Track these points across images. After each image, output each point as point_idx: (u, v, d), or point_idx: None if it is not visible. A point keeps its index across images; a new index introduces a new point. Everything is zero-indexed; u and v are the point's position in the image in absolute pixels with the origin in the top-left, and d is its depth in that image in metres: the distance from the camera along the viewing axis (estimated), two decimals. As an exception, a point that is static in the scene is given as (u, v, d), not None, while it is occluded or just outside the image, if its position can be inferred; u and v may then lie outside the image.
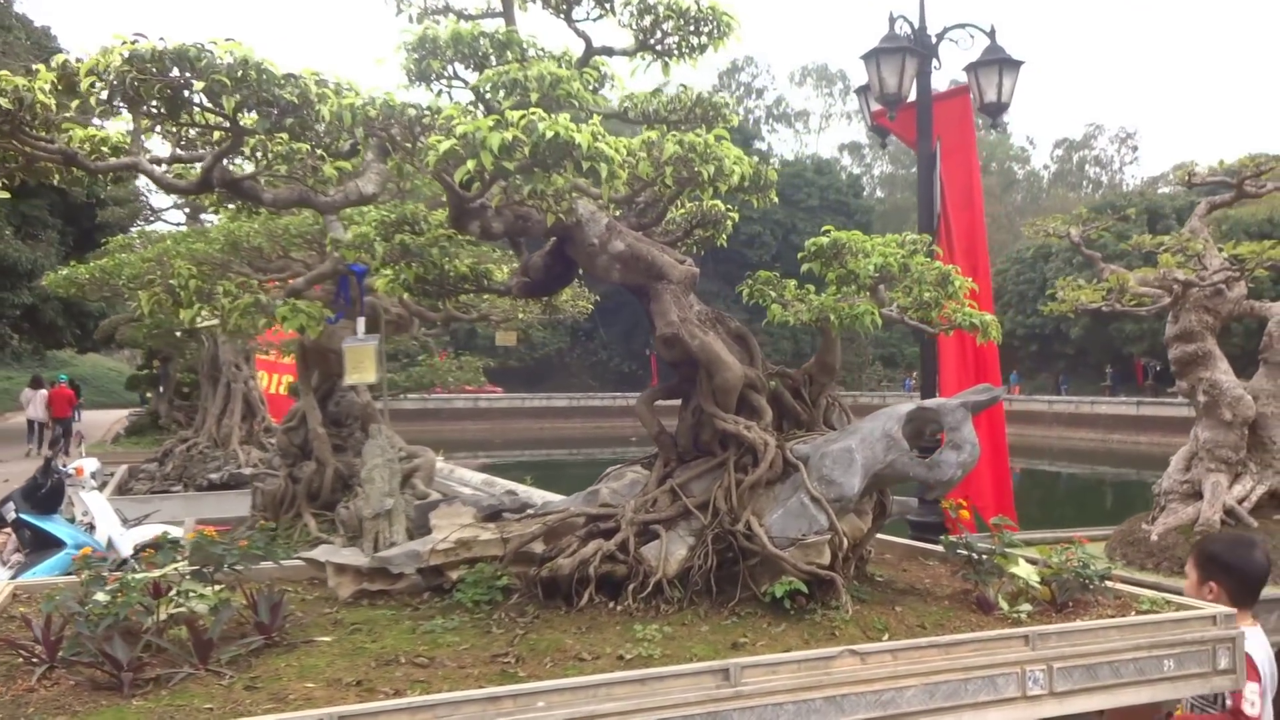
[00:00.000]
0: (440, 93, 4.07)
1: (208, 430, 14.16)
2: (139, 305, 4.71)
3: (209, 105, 3.25)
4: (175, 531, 7.63)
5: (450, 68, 4.01)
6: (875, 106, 9.36)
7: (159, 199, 15.75)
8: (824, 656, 3.50)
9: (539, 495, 8.74)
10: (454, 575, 4.44)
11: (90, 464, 9.93)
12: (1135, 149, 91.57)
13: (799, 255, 4.75)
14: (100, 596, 3.58)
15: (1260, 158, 6.96)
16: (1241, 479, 6.44)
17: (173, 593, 3.77)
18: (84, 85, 3.06)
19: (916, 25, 9.05)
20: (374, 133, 3.40)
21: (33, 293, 27.49)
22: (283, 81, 3.15)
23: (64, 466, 9.27)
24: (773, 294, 4.79)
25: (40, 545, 8.27)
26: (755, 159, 4.27)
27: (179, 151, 3.67)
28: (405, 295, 4.93)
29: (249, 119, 3.31)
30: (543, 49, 4.10)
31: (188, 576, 3.94)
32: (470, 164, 3.13)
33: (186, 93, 3.14)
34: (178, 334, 13.55)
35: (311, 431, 8.09)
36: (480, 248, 6.64)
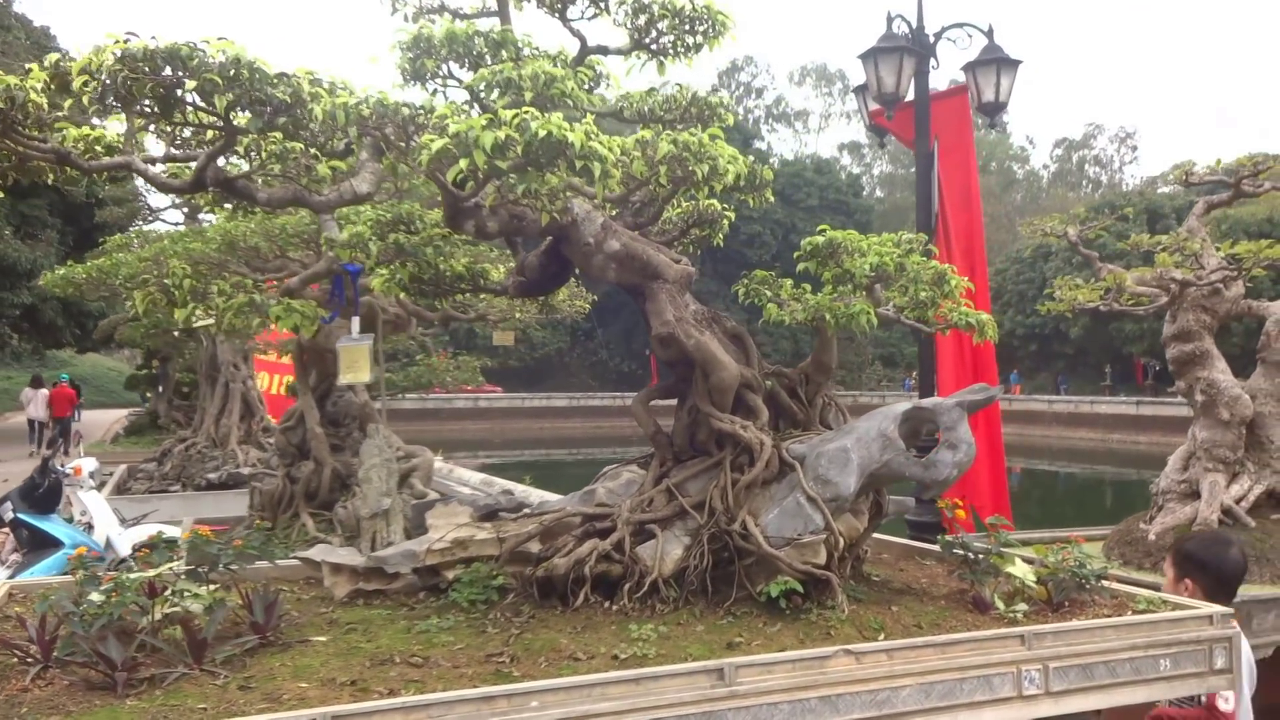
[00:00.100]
0: (435, 92, 4.07)
1: (206, 430, 14.16)
2: (133, 305, 4.70)
3: (202, 104, 3.24)
4: (173, 531, 7.63)
5: (445, 67, 4.00)
6: (873, 106, 9.36)
7: (157, 199, 15.77)
8: (819, 656, 3.49)
9: (537, 495, 8.74)
10: (450, 575, 4.44)
11: (88, 464, 9.93)
12: (1135, 149, 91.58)
13: (795, 255, 4.75)
14: (95, 596, 3.58)
15: (1258, 157, 6.96)
16: (1239, 478, 6.44)
17: (168, 592, 3.77)
18: (77, 84, 3.06)
19: (914, 25, 9.04)
20: (367, 132, 3.39)
21: (32, 292, 27.48)
22: (275, 80, 3.15)
23: (62, 466, 9.27)
24: (768, 293, 4.79)
25: (38, 545, 8.27)
26: (751, 158, 4.27)
27: (173, 151, 3.66)
28: (401, 295, 4.93)
29: (242, 118, 3.31)
30: (537, 48, 4.10)
31: (183, 576, 3.94)
32: (463, 163, 3.12)
33: (179, 92, 3.14)
34: (175, 334, 13.55)
35: (309, 431, 8.08)
36: (478, 247, 6.63)
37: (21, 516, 8.29)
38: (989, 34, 9.10)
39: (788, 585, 3.97)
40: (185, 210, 14.78)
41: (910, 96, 8.98)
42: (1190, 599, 4.24)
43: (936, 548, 5.01)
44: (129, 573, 3.84)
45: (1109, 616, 4.08)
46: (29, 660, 3.49)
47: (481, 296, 6.43)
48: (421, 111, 3.37)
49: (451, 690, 3.15)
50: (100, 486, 10.94)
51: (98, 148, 3.60)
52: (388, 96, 3.35)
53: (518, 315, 8.38)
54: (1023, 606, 4.19)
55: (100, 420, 31.55)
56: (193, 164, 3.70)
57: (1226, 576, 4.32)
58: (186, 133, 3.70)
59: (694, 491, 4.41)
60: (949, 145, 9.24)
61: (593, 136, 3.18)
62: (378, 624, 4.04)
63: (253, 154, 3.80)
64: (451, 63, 4.01)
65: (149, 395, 21.86)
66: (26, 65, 3.29)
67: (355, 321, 5.03)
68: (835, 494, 4.19)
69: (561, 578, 4.15)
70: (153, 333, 14.19)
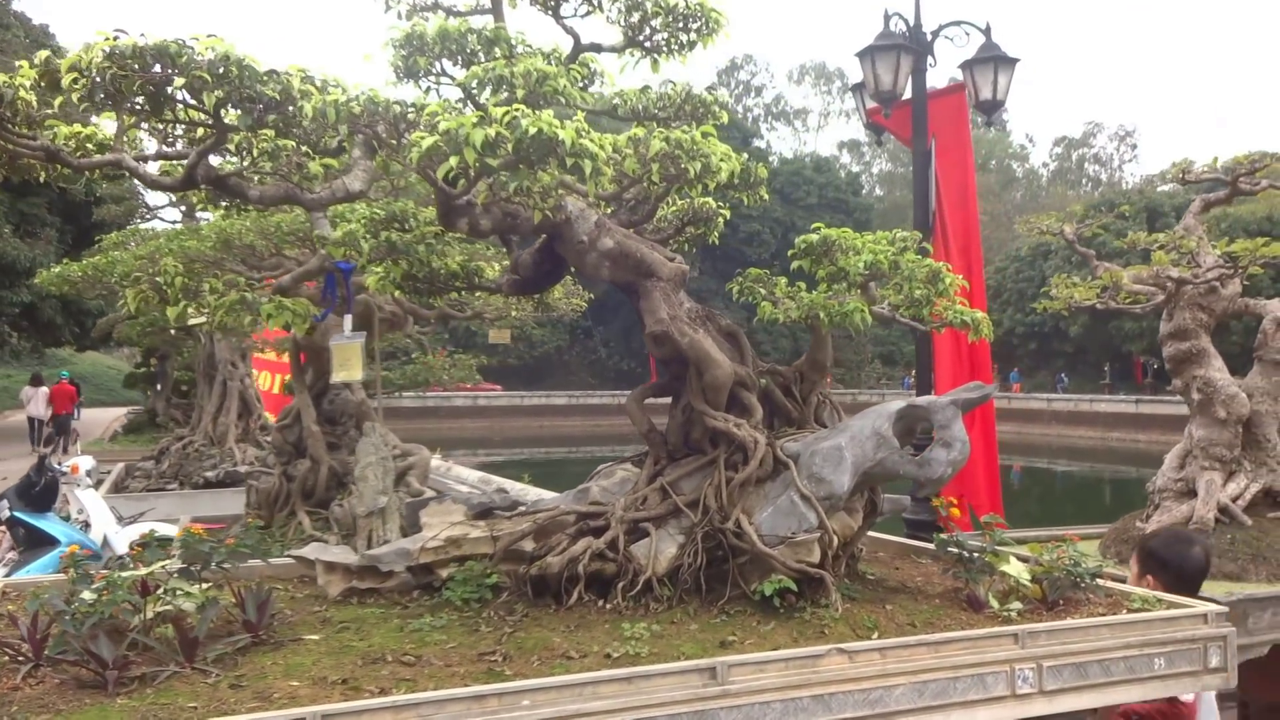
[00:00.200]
0: (428, 90, 4.06)
1: (204, 428, 14.15)
2: (125, 303, 4.70)
3: (192, 102, 3.23)
4: (170, 529, 7.62)
5: (438, 64, 3.99)
6: (871, 104, 9.35)
7: (155, 197, 15.72)
8: (812, 655, 3.49)
9: (535, 493, 8.73)
10: (444, 573, 4.43)
11: (85, 462, 9.95)
12: (1134, 147, 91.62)
13: (790, 253, 4.74)
14: (86, 595, 3.57)
15: (1255, 155, 6.94)
16: (1236, 477, 6.42)
17: (160, 591, 3.76)
18: (66, 81, 3.05)
19: (912, 23, 9.03)
20: (359, 130, 3.38)
21: (31, 290, 27.47)
22: (264, 78, 3.14)
23: (59, 464, 9.27)
24: (762, 291, 4.78)
25: (34, 543, 8.27)
26: (745, 156, 4.26)
27: (164, 148, 3.65)
28: (396, 293, 4.92)
29: (232, 115, 3.30)
30: (531, 46, 4.08)
31: (175, 575, 3.93)
32: (453, 160, 3.12)
33: (169, 89, 3.13)
34: (173, 332, 13.53)
35: (306, 429, 8.06)
36: (474, 245, 6.63)
37: (18, 515, 8.28)
38: (986, 32, 9.10)
39: (782, 584, 3.97)
40: (183, 208, 14.76)
41: (908, 94, 8.97)
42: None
43: (932, 546, 5.00)
44: (122, 571, 3.84)
45: (1103, 615, 4.08)
46: (20, 659, 3.49)
47: (477, 294, 6.42)
48: (412, 109, 3.36)
49: (443, 689, 3.15)
50: (98, 485, 10.94)
51: (89, 145, 3.59)
52: (379, 94, 3.34)
53: (513, 313, 8.37)
54: (1017, 605, 4.18)
55: (99, 418, 31.56)
56: (185, 161, 3.69)
57: (1187, 576, 4.42)
58: (179, 130, 3.69)
59: (688, 490, 4.40)
60: (946, 143, 9.23)
61: (584, 134, 3.17)
62: (371, 622, 4.03)
63: (244, 151, 3.79)
64: (444, 60, 4.00)
65: (150, 393, 21.84)
66: (17, 62, 3.28)
67: (348, 319, 5.02)
68: (829, 492, 4.18)
69: (555, 576, 4.15)
70: (149, 331, 14.17)
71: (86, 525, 9.06)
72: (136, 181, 15.36)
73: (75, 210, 28.67)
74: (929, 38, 9.06)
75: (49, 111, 3.32)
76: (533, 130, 3.07)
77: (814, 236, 4.63)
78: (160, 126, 3.57)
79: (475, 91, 3.75)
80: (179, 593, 3.77)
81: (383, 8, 4.37)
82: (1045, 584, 4.29)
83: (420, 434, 14.30)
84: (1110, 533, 6.97)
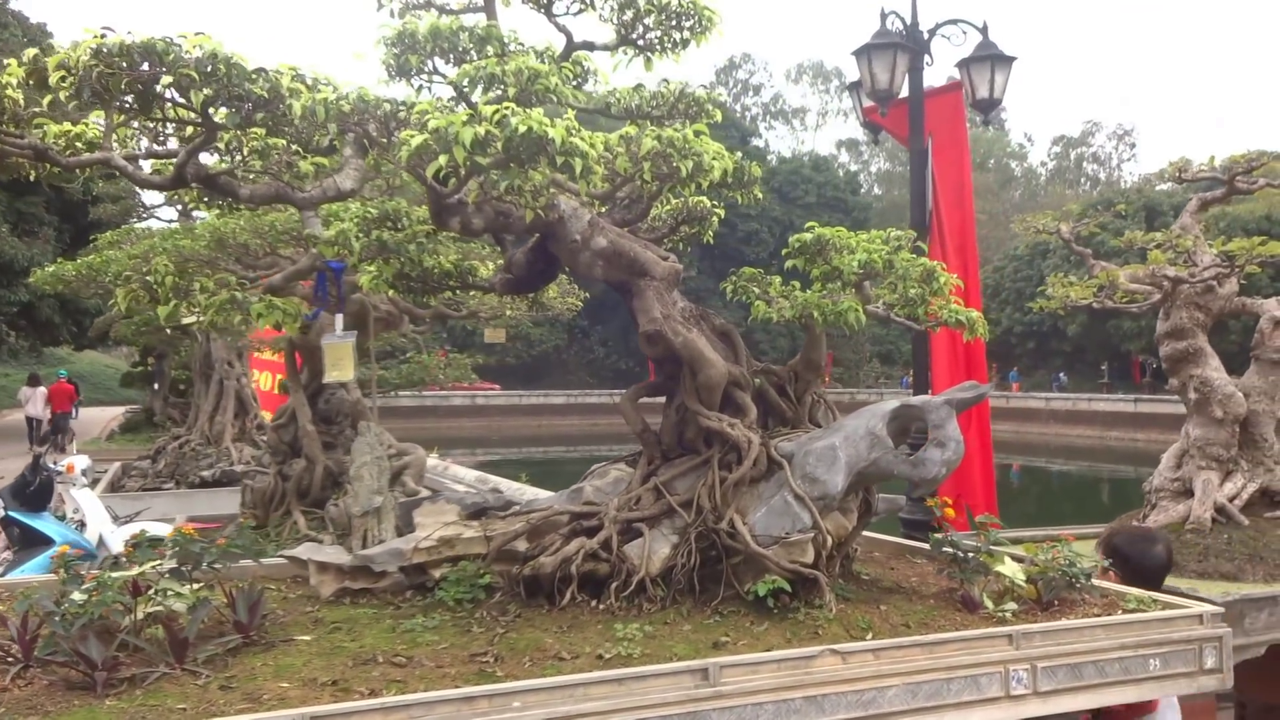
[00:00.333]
0: (420, 88, 4.04)
1: (200, 427, 14.12)
2: (115, 302, 4.68)
3: (181, 100, 3.21)
4: (164, 529, 7.60)
5: (430, 63, 3.98)
6: (868, 102, 9.32)
7: (151, 196, 15.68)
8: (804, 656, 3.48)
9: (531, 492, 8.71)
10: (437, 573, 4.42)
11: (81, 461, 9.89)
12: (1133, 146, 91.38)
13: (784, 252, 4.73)
14: (76, 595, 3.56)
15: (1252, 154, 6.92)
16: (1233, 477, 6.40)
17: (151, 591, 3.74)
18: (53, 80, 3.03)
19: (909, 21, 9.00)
20: (348, 128, 3.37)
21: (29, 289, 27.40)
22: (253, 76, 3.12)
23: (54, 464, 9.24)
24: (756, 290, 4.77)
25: (29, 543, 8.23)
26: (739, 154, 4.24)
27: (155, 147, 3.63)
28: (390, 292, 4.90)
29: (220, 113, 3.28)
30: (523, 44, 4.06)
31: (166, 575, 3.91)
32: (443, 159, 3.10)
33: (157, 87, 3.11)
34: (169, 331, 13.51)
35: (301, 429, 8.04)
36: (468, 244, 6.61)
37: (12, 514, 8.25)
38: (983, 30, 9.06)
39: (775, 584, 3.95)
40: (179, 207, 14.73)
41: (904, 93, 8.94)
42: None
43: (928, 546, 4.99)
44: (116, 571, 3.82)
45: (1098, 616, 4.07)
46: (10, 660, 3.48)
47: (472, 294, 6.40)
48: (403, 107, 3.34)
49: (433, 690, 3.14)
50: (94, 484, 10.90)
51: (79, 144, 3.57)
52: (369, 92, 3.32)
53: (509, 313, 8.34)
54: (1012, 605, 4.17)
55: (98, 417, 31.52)
56: (175, 160, 3.67)
57: (1147, 572, 4.59)
58: (169, 129, 3.67)
59: (682, 490, 4.39)
60: (943, 142, 9.20)
61: (574, 132, 3.15)
62: (363, 623, 4.02)
63: (234, 150, 3.77)
64: (436, 58, 3.98)
65: (148, 392, 21.81)
66: (5, 60, 3.26)
67: (339, 319, 5.00)
68: (823, 492, 4.17)
69: (548, 576, 4.14)
70: (144, 330, 14.15)
71: (82, 525, 9.02)
72: (132, 180, 15.32)
73: (73, 209, 28.61)
74: (926, 36, 9.02)
75: (37, 110, 3.30)
76: (522, 128, 3.06)
77: (808, 235, 4.62)
78: (150, 125, 3.55)
79: (467, 90, 3.73)
80: (170, 593, 3.75)
81: (375, 6, 4.35)
82: (1040, 584, 4.28)
83: (418, 433, 14.27)
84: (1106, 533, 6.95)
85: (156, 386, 19.65)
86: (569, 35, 4.38)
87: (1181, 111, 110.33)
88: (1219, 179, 6.97)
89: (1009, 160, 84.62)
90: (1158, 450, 7.25)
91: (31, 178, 3.73)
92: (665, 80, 4.42)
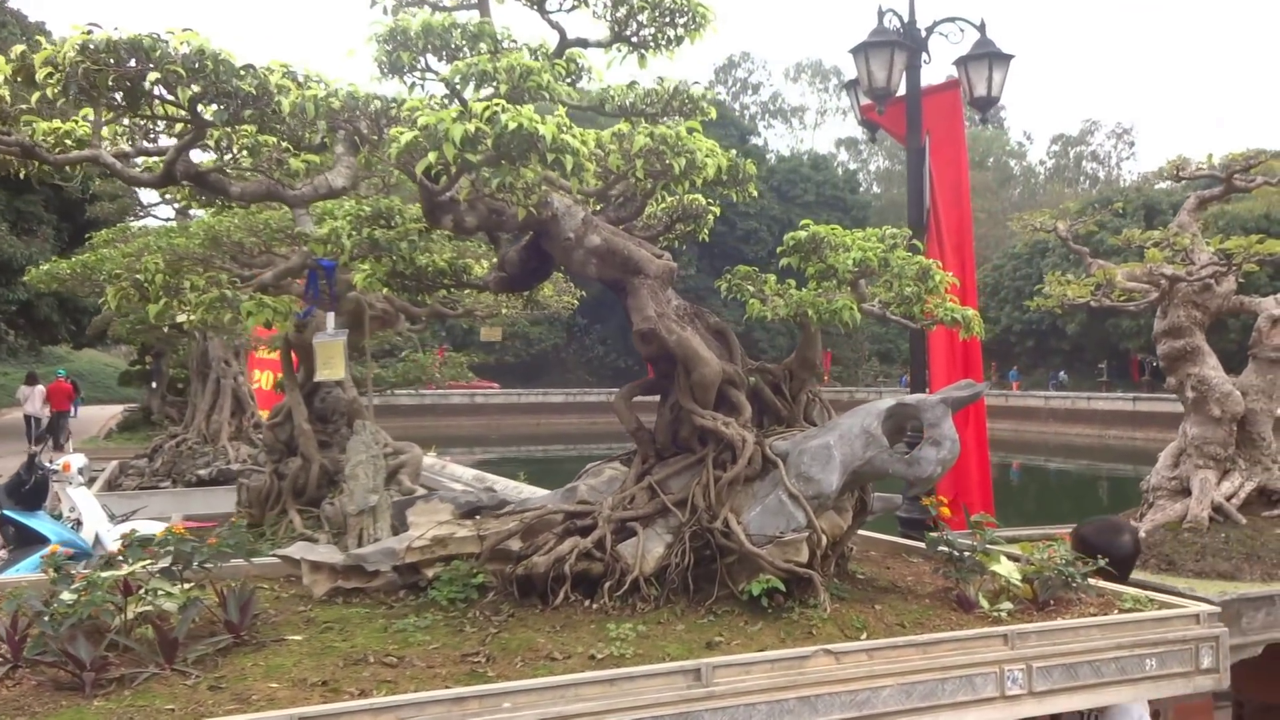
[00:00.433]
0: (413, 85, 4.01)
1: (197, 426, 14.09)
2: (105, 300, 4.65)
3: (168, 96, 3.19)
4: (159, 527, 7.58)
5: (422, 60, 3.95)
6: (865, 101, 9.29)
7: (148, 194, 15.64)
8: (798, 656, 3.46)
9: (529, 491, 8.68)
10: (430, 573, 4.40)
11: (77, 460, 9.87)
12: (1132, 145, 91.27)
13: (778, 250, 4.71)
14: (66, 595, 3.54)
15: (1250, 152, 6.89)
16: (1230, 475, 6.38)
17: (141, 591, 3.72)
18: (40, 77, 3.01)
19: (906, 19, 8.98)
20: (339, 125, 3.34)
21: (27, 288, 27.36)
22: (241, 72, 3.10)
23: (50, 462, 9.21)
24: (750, 289, 4.75)
25: (24, 542, 8.20)
26: (734, 152, 4.22)
27: (145, 144, 3.61)
28: (385, 290, 4.88)
29: (209, 110, 3.25)
30: (516, 41, 4.04)
31: (157, 574, 3.89)
32: (432, 156, 3.08)
33: (144, 83, 3.08)
34: (166, 329, 13.47)
35: (297, 427, 8.02)
36: (463, 242, 6.58)
37: (7, 513, 8.22)
38: (981, 28, 9.03)
39: (770, 583, 3.93)
40: (176, 206, 14.69)
41: (902, 91, 8.91)
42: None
43: (924, 545, 4.97)
44: (105, 570, 3.80)
45: (1094, 615, 4.05)
46: (-1, 660, 3.45)
47: (467, 292, 6.38)
48: (394, 104, 3.32)
49: (423, 691, 3.12)
50: (90, 483, 10.88)
51: (68, 141, 3.55)
52: (359, 89, 3.30)
53: (505, 311, 8.31)
54: (1007, 605, 4.15)
55: (97, 415, 31.48)
56: (165, 158, 3.64)
57: (1116, 562, 4.71)
58: (159, 126, 3.65)
59: (676, 489, 4.37)
60: (940, 140, 9.18)
61: (565, 129, 3.13)
62: (355, 623, 4.00)
63: (225, 147, 3.75)
64: (429, 55, 3.95)
65: (146, 391, 21.76)
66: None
67: (330, 317, 4.97)
68: (818, 491, 4.15)
69: (542, 576, 4.11)
70: (141, 328, 14.10)
71: (78, 524, 9.00)
72: (129, 178, 15.26)
73: (71, 208, 28.56)
74: (923, 34, 9.00)
75: (24, 107, 3.28)
76: (512, 125, 3.03)
77: (802, 233, 4.59)
78: (140, 122, 3.52)
79: (459, 87, 3.70)
80: (160, 593, 3.73)
81: (368, 2, 4.32)
82: (1036, 584, 4.26)
83: (417, 432, 14.25)
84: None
85: (154, 385, 19.60)
86: (562, 32, 4.36)
87: (1181, 111, 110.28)
88: (1217, 177, 6.94)
89: (1008, 158, 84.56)
90: (1156, 449, 7.22)
91: (20, 175, 3.70)
92: (660, 78, 4.39)
